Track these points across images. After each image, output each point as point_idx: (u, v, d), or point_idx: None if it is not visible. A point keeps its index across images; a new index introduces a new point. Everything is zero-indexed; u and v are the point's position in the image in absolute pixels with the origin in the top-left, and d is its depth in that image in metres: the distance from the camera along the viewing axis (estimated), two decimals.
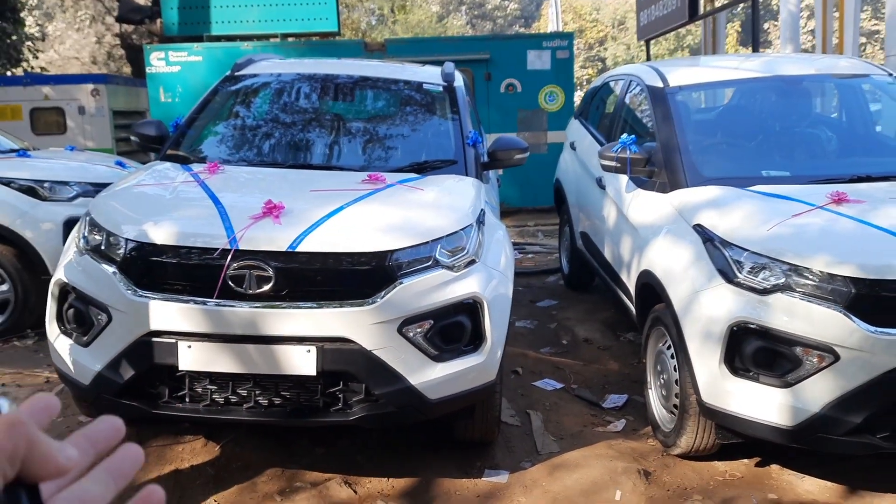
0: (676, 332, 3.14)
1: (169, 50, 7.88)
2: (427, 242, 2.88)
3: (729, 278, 2.96)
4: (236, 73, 4.27)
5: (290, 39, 8.28)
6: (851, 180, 3.42)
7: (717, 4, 9.81)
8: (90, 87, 8.85)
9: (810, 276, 2.78)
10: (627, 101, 4.72)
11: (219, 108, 4.07)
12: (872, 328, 2.66)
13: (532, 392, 4.02)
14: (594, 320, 5.10)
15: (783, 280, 2.83)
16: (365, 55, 7.99)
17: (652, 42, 11.19)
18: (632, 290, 3.88)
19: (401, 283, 2.76)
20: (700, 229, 3.21)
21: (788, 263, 2.83)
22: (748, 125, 4.16)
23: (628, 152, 3.84)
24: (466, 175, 3.65)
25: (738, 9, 36.70)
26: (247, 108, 4.34)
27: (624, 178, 4.15)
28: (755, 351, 2.85)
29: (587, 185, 5.01)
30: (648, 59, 11.63)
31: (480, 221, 3.22)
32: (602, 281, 4.87)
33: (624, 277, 4.09)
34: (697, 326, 3.02)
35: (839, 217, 3.01)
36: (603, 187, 4.55)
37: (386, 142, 3.92)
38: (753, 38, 7.63)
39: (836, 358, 2.69)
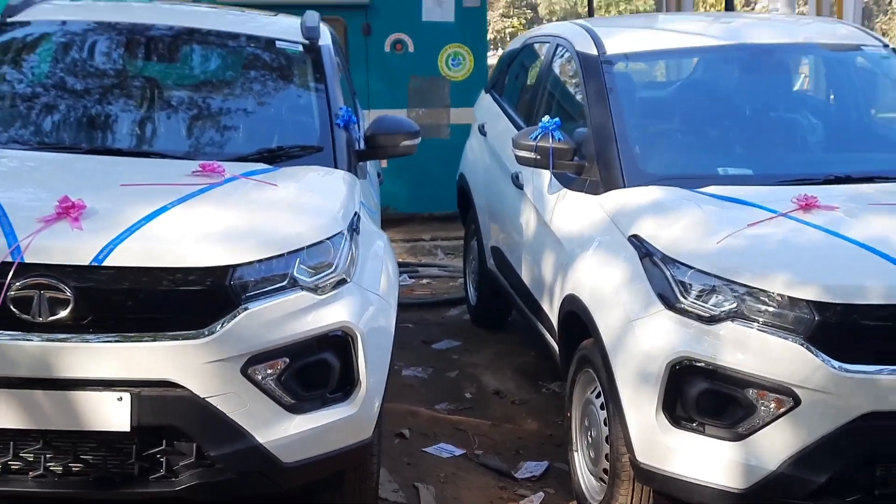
0: (606, 374, 3.56)
1: None
2: (281, 255, 3.17)
3: (670, 304, 3.40)
4: (8, 19, 4.43)
5: None
6: (827, 181, 3.97)
7: None
8: None
9: (766, 301, 3.24)
10: (554, 71, 5.17)
11: None
12: (839, 364, 3.14)
13: (423, 460, 4.36)
14: (508, 367, 5.51)
15: (735, 305, 3.28)
16: None
17: None
18: (555, 321, 4.29)
19: (246, 310, 3.03)
20: (637, 242, 3.65)
21: (741, 285, 3.29)
22: (705, 108, 4.69)
23: (551, 140, 4.26)
24: (335, 166, 3.97)
25: None
26: (19, 69, 4.46)
27: (547, 175, 4.57)
28: (700, 395, 3.28)
29: (500, 183, 5.42)
30: (591, 12, 12.32)
31: (354, 229, 3.55)
32: (519, 313, 5.28)
33: (546, 306, 4.50)
34: (631, 365, 3.44)
35: (805, 227, 3.52)
36: (520, 186, 4.97)
37: (223, 119, 4.21)
38: None
39: (797, 402, 3.15)
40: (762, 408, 3.21)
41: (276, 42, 4.59)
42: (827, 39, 4.90)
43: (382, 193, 8.74)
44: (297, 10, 8.27)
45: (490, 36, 30.05)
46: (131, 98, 4.33)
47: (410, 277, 7.81)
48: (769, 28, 4.99)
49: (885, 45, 4.80)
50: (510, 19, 40.34)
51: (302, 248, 3.23)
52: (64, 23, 4.56)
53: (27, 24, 4.49)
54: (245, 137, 4.13)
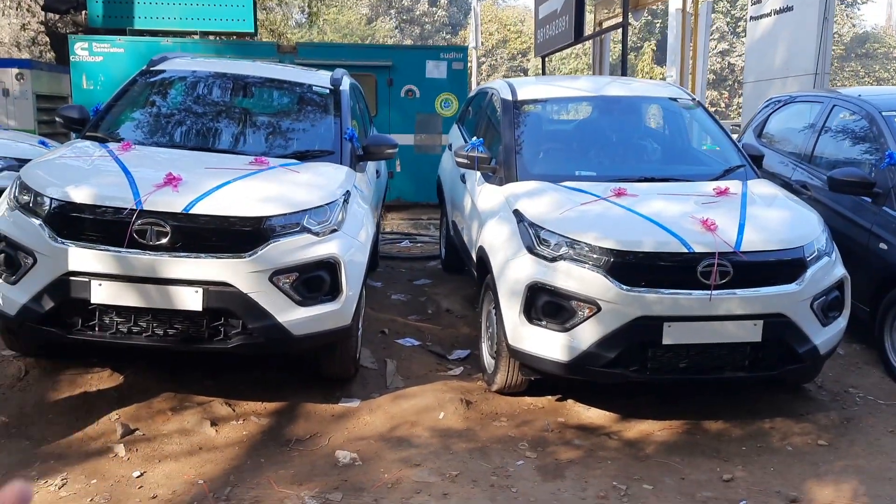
0: (494, 293, 4.03)
1: (93, 41, 8.38)
2: (296, 212, 3.65)
3: (531, 250, 3.86)
4: (152, 68, 4.94)
5: (209, 38, 8.88)
6: (639, 180, 4.39)
7: (605, 27, 10.91)
8: (15, 70, 9.29)
9: (583, 248, 3.70)
10: (489, 110, 5.62)
11: (135, 98, 4.74)
12: (624, 286, 3.59)
13: (393, 347, 4.84)
14: (458, 296, 5.97)
15: (565, 250, 3.74)
16: (277, 56, 8.67)
17: (577, 55, 12.19)
18: (475, 263, 4.76)
19: (273, 242, 3.53)
20: (517, 214, 4.10)
21: (570, 238, 3.75)
22: (573, 134, 5.13)
23: (476, 152, 4.72)
24: (341, 164, 4.44)
25: (657, 28, 38.85)
26: (159, 98, 5.00)
27: (476, 174, 5.03)
28: (544, 304, 3.74)
29: (456, 181, 5.87)
30: (543, 73, 12.72)
31: (346, 201, 4.02)
32: (465, 261, 5.74)
33: (473, 255, 4.97)
34: (507, 287, 3.90)
35: (614, 206, 3.96)
36: (464, 182, 5.42)
37: (276, 133, 4.69)
38: (622, 64, 8.73)
39: (599, 309, 3.61)
40: (579, 312, 3.65)
41: (314, 86, 5.06)
42: (655, 94, 5.31)
43: (396, 188, 9.26)
44: (345, 66, 8.90)
45: None
46: (223, 118, 4.81)
47: (411, 242, 8.25)
48: (620, 86, 5.40)
49: (693, 99, 5.22)
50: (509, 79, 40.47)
51: (310, 209, 3.71)
52: (191, 72, 5.06)
53: (164, 71, 4.98)
54: (288, 144, 4.59)
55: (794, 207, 4.18)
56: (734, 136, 5.71)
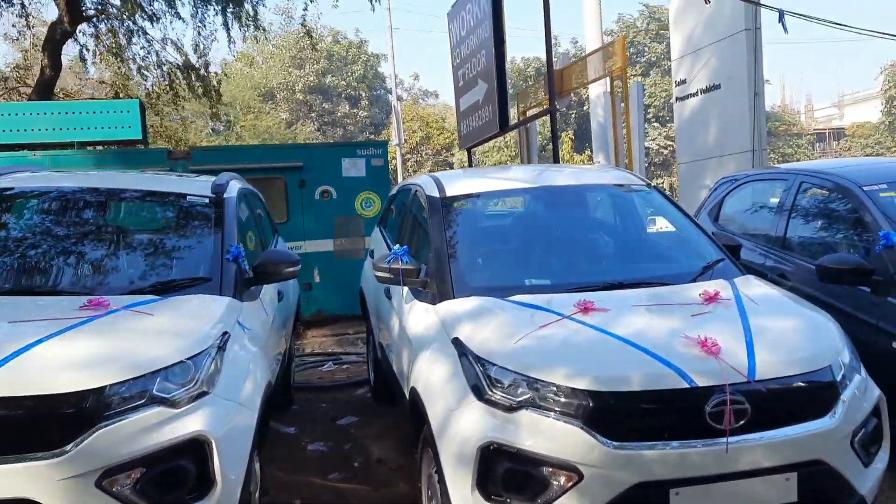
0: (434, 455, 2.94)
1: None
2: (140, 377, 2.54)
3: (480, 395, 2.83)
4: None
5: (90, 148, 7.81)
6: (605, 287, 3.46)
7: (529, 115, 10.36)
8: None
9: (551, 391, 2.69)
10: (414, 209, 4.67)
11: None
12: (611, 443, 2.58)
13: None
14: (392, 437, 4.84)
15: (528, 395, 2.73)
16: (168, 163, 7.64)
17: (500, 147, 11.58)
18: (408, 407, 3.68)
19: (101, 428, 2.38)
20: (458, 344, 3.08)
21: (530, 377, 2.74)
22: (518, 234, 4.20)
23: (400, 263, 3.73)
24: (220, 294, 3.36)
25: (571, 118, 39.81)
26: None
27: (405, 289, 4.01)
28: (505, 473, 2.68)
29: (380, 294, 4.84)
30: (470, 165, 12.07)
31: (221, 347, 2.92)
32: (397, 396, 4.65)
33: (405, 392, 3.89)
34: (452, 448, 2.83)
35: (582, 327, 2.99)
36: (389, 297, 4.40)
37: (130, 260, 3.57)
38: (554, 151, 8.05)
39: (581, 477, 2.58)
40: (554, 483, 2.62)
41: (188, 196, 4.01)
42: (605, 181, 4.48)
43: (316, 299, 8.17)
44: (247, 171, 7.91)
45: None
46: (59, 246, 3.62)
47: (334, 364, 7.10)
48: (564, 175, 4.57)
49: (648, 184, 4.41)
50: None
51: (162, 369, 2.60)
52: (26, 189, 3.93)
53: None
54: (144, 274, 3.49)
55: (803, 313, 3.29)
56: None
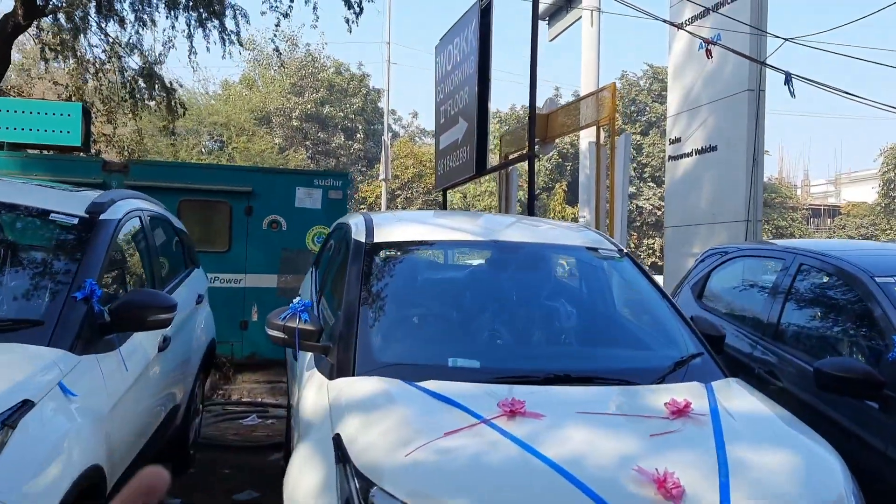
0: None
1: None
2: None
3: None
4: None
5: (23, 152, 7.06)
6: (547, 379, 2.70)
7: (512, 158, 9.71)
8: None
9: None
10: (341, 253, 3.92)
11: None
12: None
13: None
14: None
15: None
16: (101, 175, 6.89)
17: (492, 192, 10.90)
18: None
19: None
20: (338, 443, 2.31)
21: None
22: (453, 298, 3.44)
23: (299, 321, 2.97)
24: (49, 343, 2.58)
25: (567, 170, 39.38)
26: None
27: (309, 354, 3.24)
28: None
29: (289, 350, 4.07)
30: (444, 206, 11.39)
31: (10, 423, 2.14)
32: None
33: None
34: None
35: (502, 439, 2.22)
36: (296, 358, 3.63)
37: None
38: (529, 201, 7.35)
39: None
40: None
41: (52, 213, 3.24)
42: (569, 241, 3.74)
43: (252, 340, 7.33)
44: (191, 191, 7.16)
45: None
46: None
47: (259, 417, 6.26)
48: (521, 229, 3.83)
49: (620, 250, 3.67)
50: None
51: None
52: None
53: None
54: None
55: (799, 442, 2.52)
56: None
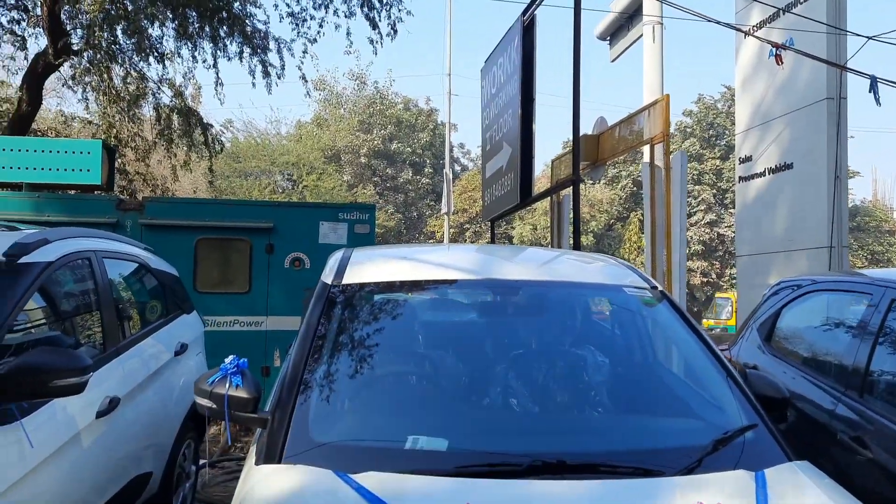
0: None
1: None
2: None
3: None
4: None
5: (45, 192, 6.87)
6: (531, 469, 1.99)
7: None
8: None
9: None
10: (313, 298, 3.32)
11: None
12: None
13: None
14: None
15: None
16: (116, 214, 6.58)
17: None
18: None
19: None
20: None
21: None
22: (427, 353, 2.75)
23: (228, 385, 2.37)
24: None
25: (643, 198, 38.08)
26: None
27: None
28: None
29: None
30: (493, 240, 10.70)
31: None
32: None
33: None
34: None
35: None
36: None
37: None
38: (575, 230, 6.59)
39: None
40: None
41: None
42: (589, 278, 2.99)
43: (272, 389, 6.81)
44: (219, 231, 6.75)
45: None
46: None
47: None
48: (527, 263, 3.13)
49: (654, 287, 2.90)
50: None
51: None
52: None
53: None
54: None
55: None
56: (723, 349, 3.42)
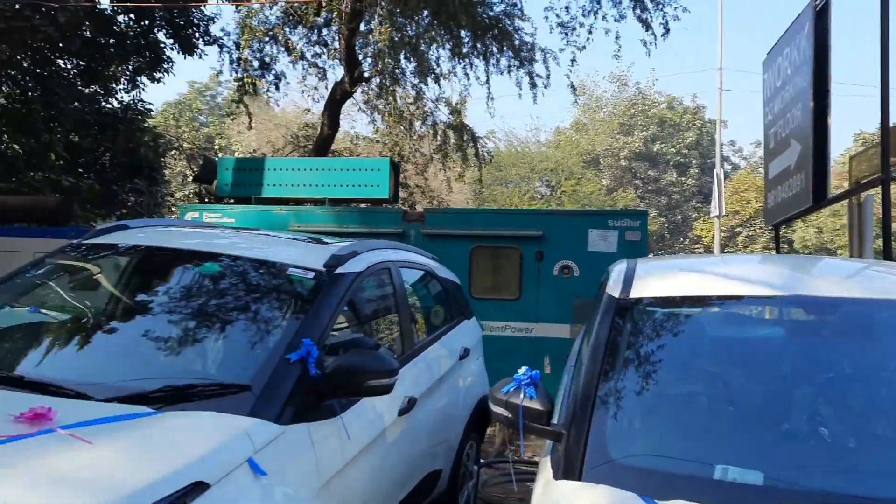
0: None
1: (204, 210, 7.61)
2: None
3: None
4: (85, 241, 3.44)
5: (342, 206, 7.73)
6: None
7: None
8: None
9: None
10: (595, 309, 3.27)
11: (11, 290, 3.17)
12: None
13: None
14: None
15: None
16: (401, 225, 7.14)
17: None
18: None
19: None
20: None
21: None
22: (732, 374, 2.54)
23: (522, 396, 2.43)
24: (251, 412, 2.40)
25: None
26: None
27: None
28: None
29: None
30: (777, 249, 9.72)
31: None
32: None
33: None
34: None
35: None
36: None
37: (153, 349, 2.79)
38: (885, 238, 5.75)
39: None
40: None
41: (290, 269, 3.17)
42: None
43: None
44: (481, 238, 7.04)
45: None
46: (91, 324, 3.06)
47: None
48: (843, 278, 2.75)
49: None
50: (770, 252, 35.82)
51: None
52: (123, 245, 3.49)
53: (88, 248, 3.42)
54: (162, 370, 2.65)
55: None
56: None
